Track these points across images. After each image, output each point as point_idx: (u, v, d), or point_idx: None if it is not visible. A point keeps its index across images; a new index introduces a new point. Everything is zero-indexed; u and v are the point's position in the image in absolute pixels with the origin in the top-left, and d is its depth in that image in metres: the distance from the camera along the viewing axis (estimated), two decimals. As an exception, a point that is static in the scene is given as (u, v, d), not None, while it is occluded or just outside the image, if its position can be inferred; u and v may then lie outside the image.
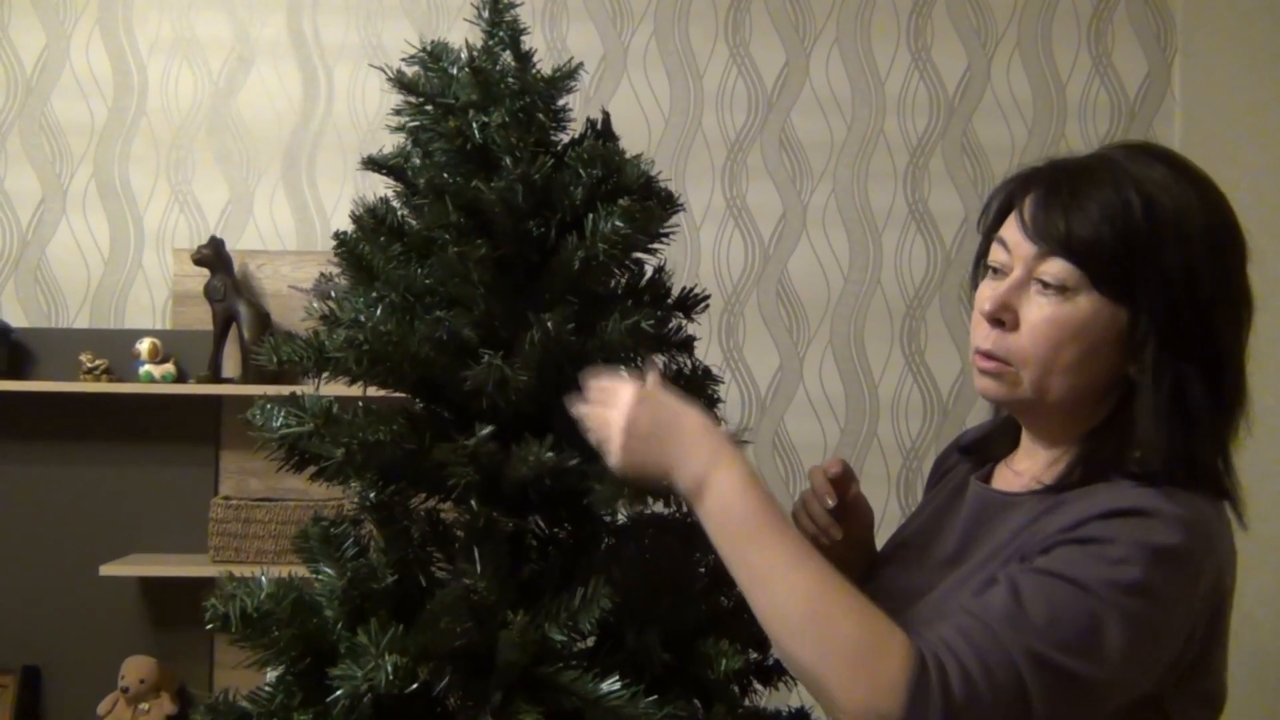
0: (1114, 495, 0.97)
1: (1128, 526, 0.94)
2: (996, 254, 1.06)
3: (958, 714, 0.88)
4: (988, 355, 1.05)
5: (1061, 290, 1.00)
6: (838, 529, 1.22)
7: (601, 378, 1.07)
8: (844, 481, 1.23)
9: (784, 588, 0.94)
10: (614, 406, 1.04)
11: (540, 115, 1.21)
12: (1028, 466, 1.12)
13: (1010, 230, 1.05)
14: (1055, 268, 1.00)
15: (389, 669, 0.96)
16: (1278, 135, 2.45)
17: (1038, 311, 1.01)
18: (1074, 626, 0.90)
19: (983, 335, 1.05)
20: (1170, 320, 0.99)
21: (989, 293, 1.05)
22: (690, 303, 1.31)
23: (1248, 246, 1.05)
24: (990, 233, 1.10)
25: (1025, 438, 1.14)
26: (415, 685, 0.98)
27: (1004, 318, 1.03)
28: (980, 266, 1.12)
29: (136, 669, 2.67)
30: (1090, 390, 1.04)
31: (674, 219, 1.26)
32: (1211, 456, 1.01)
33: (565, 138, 1.26)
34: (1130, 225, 0.98)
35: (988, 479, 1.17)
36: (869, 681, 0.89)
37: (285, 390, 1.13)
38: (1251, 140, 2.56)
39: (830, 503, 1.21)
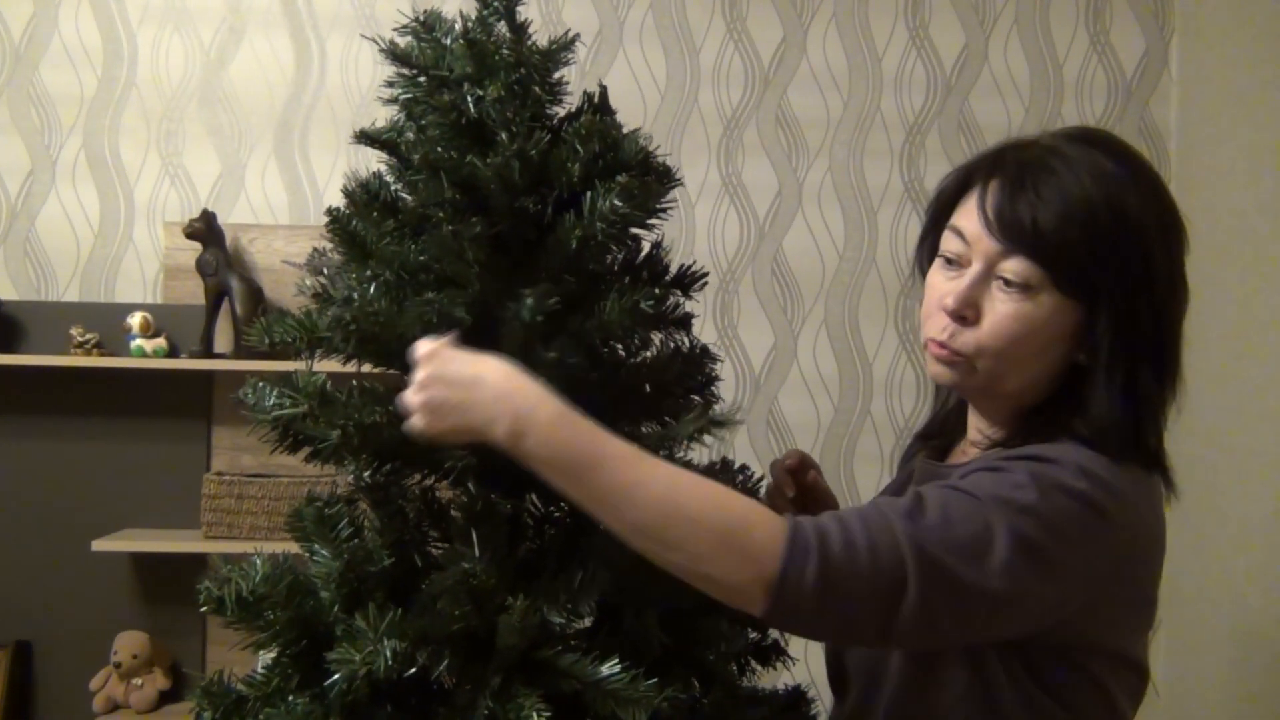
0: (1035, 447, 1.01)
1: (1034, 466, 0.98)
2: (951, 243, 1.07)
3: (833, 573, 0.91)
4: (943, 346, 1.06)
5: (1025, 289, 1.02)
6: None
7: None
8: (801, 472, 1.28)
9: (635, 503, 0.93)
10: (416, 360, 0.98)
11: (536, 88, 1.19)
12: (975, 444, 1.15)
13: (969, 222, 1.05)
14: (1020, 267, 1.01)
15: (388, 653, 0.95)
16: (1275, 115, 2.44)
17: (1000, 307, 1.03)
18: (964, 530, 0.93)
19: (939, 328, 1.06)
20: (1127, 315, 1.01)
21: (948, 285, 1.06)
22: (688, 280, 1.29)
23: (1186, 232, 1.07)
24: (940, 217, 1.11)
25: (971, 415, 1.17)
26: (414, 670, 0.97)
27: (967, 314, 1.04)
28: (924, 247, 1.15)
29: (129, 644, 2.67)
30: (1040, 377, 1.06)
31: (671, 196, 1.25)
32: (1153, 436, 1.05)
33: (561, 112, 1.24)
34: (1095, 227, 1.00)
35: (942, 459, 1.21)
36: (742, 554, 0.91)
37: (278, 366, 1.12)
38: (1248, 120, 2.54)
39: (790, 493, 1.26)
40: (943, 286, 1.07)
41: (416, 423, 0.98)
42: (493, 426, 0.96)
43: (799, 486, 1.28)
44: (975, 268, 1.04)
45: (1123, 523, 0.99)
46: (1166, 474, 1.07)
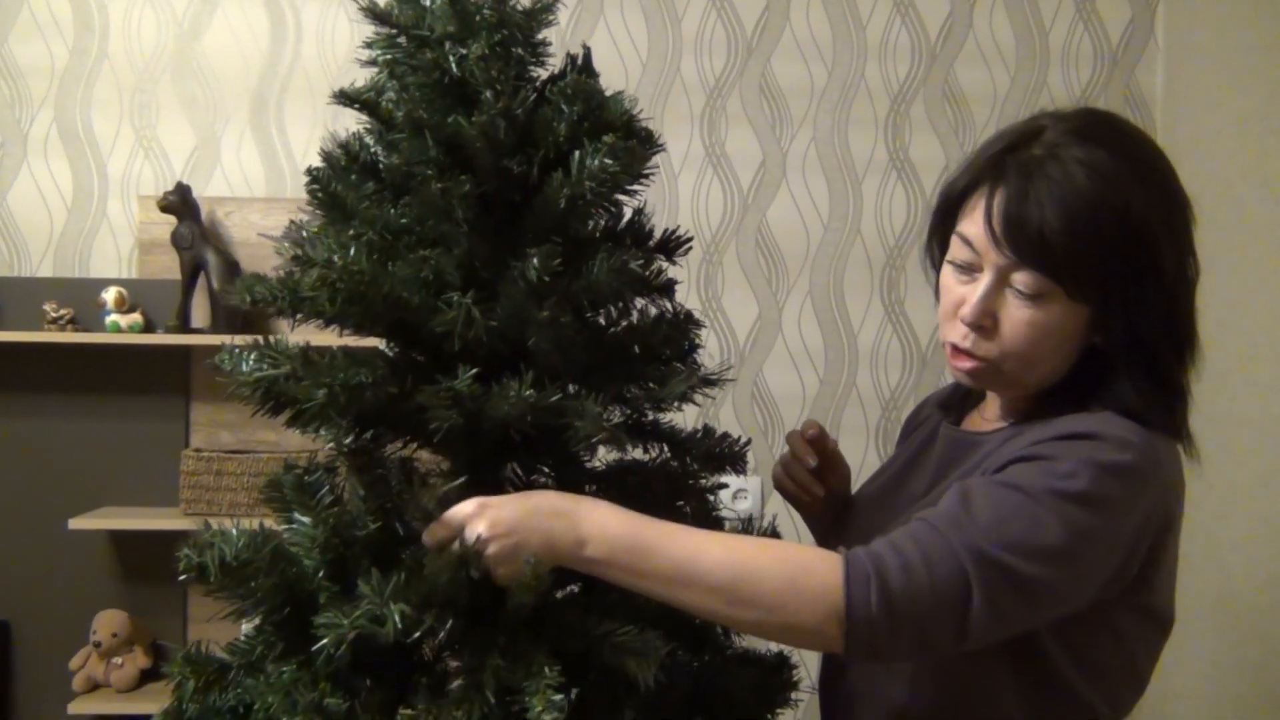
0: (1071, 421, 1.04)
1: (1077, 448, 1.00)
2: (961, 251, 1.09)
3: (896, 597, 0.93)
4: (967, 355, 1.09)
5: (1037, 297, 1.04)
6: (819, 486, 1.30)
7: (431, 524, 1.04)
8: (821, 441, 1.29)
9: (704, 570, 0.97)
10: (464, 522, 1.01)
11: (518, 49, 1.16)
12: (995, 410, 1.18)
13: (977, 231, 1.07)
14: (1029, 279, 1.03)
15: (396, 617, 0.94)
16: (1260, 82, 2.44)
17: (1015, 314, 1.05)
18: (1018, 527, 0.95)
19: (960, 335, 1.09)
20: (1138, 307, 1.04)
21: (962, 291, 1.08)
22: (672, 245, 1.28)
23: (1191, 205, 1.09)
24: (947, 217, 1.13)
25: (993, 396, 1.20)
26: (419, 633, 0.96)
27: (985, 323, 1.07)
28: (933, 244, 1.17)
29: (109, 623, 2.64)
30: (1062, 365, 1.09)
31: (653, 162, 1.23)
32: (1180, 408, 1.08)
33: (543, 73, 1.22)
34: (1099, 234, 1.01)
35: (958, 425, 1.23)
36: (810, 595, 0.94)
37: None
38: (1234, 87, 2.54)
39: (811, 463, 1.28)
40: (957, 290, 1.09)
41: (499, 570, 1.00)
42: (555, 546, 1.00)
43: (821, 455, 1.29)
44: (987, 278, 1.06)
45: (1158, 487, 1.02)
46: (1189, 441, 1.10)
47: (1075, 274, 1.02)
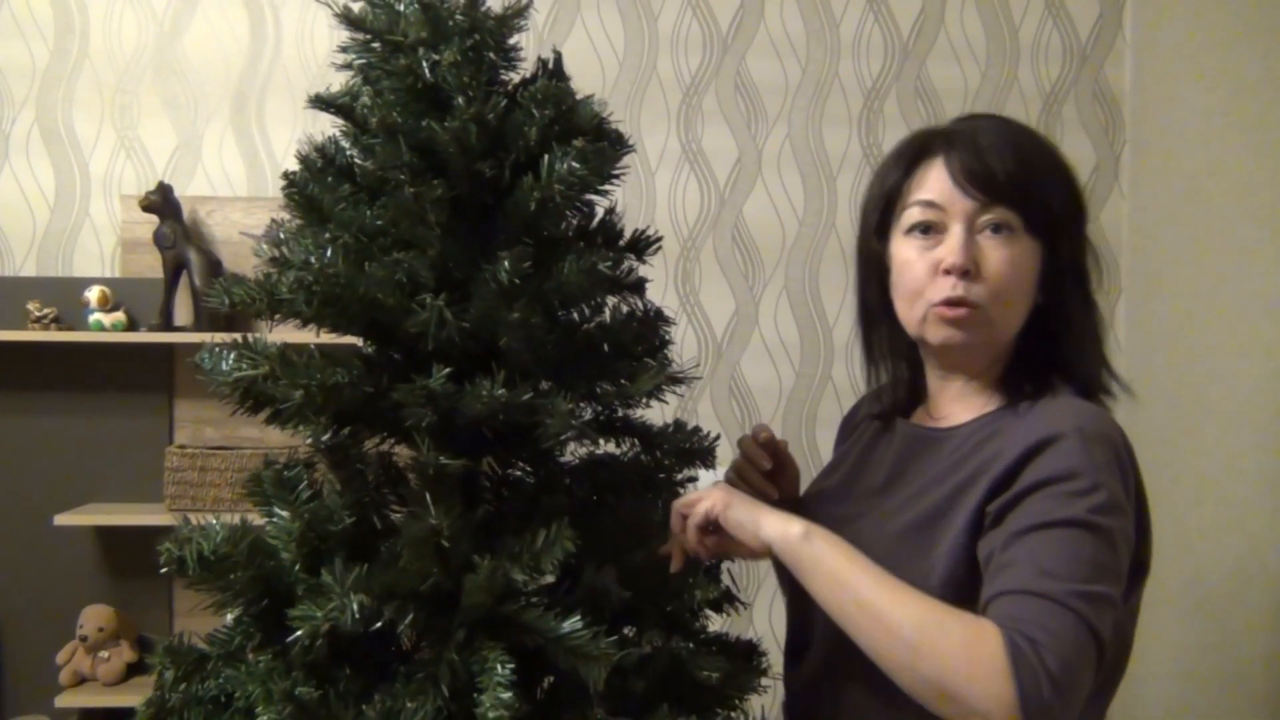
0: (1039, 421, 1.09)
1: (1071, 453, 1.04)
2: (922, 214, 1.15)
3: (1059, 680, 0.94)
4: (959, 303, 1.13)
5: (1010, 231, 1.12)
6: (773, 489, 1.33)
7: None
8: (773, 444, 1.33)
9: (897, 606, 0.99)
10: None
11: (490, 54, 1.19)
12: (946, 405, 1.22)
13: (939, 189, 1.14)
14: (1001, 213, 1.12)
15: (355, 608, 0.96)
16: (1226, 78, 2.48)
17: (994, 254, 1.13)
18: (1088, 555, 1.00)
19: (948, 287, 1.13)
20: (1076, 252, 1.16)
21: (939, 252, 1.14)
22: (642, 244, 1.31)
23: None
24: (888, 208, 1.19)
25: (934, 379, 1.23)
26: (379, 625, 0.98)
27: (970, 268, 1.12)
28: (873, 235, 1.22)
29: (95, 618, 2.66)
30: (1020, 322, 1.16)
31: (627, 162, 1.26)
32: (1105, 363, 1.18)
33: (515, 77, 1.25)
34: (1044, 170, 1.14)
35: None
36: (986, 670, 0.94)
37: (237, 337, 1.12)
38: (1201, 82, 2.58)
39: (766, 465, 1.30)
40: (926, 256, 1.15)
41: (716, 498, 1.12)
42: (781, 521, 1.08)
43: (775, 458, 1.31)
44: (957, 227, 1.13)
45: (1123, 444, 1.09)
46: (1125, 388, 1.19)
47: (1031, 204, 1.12)
